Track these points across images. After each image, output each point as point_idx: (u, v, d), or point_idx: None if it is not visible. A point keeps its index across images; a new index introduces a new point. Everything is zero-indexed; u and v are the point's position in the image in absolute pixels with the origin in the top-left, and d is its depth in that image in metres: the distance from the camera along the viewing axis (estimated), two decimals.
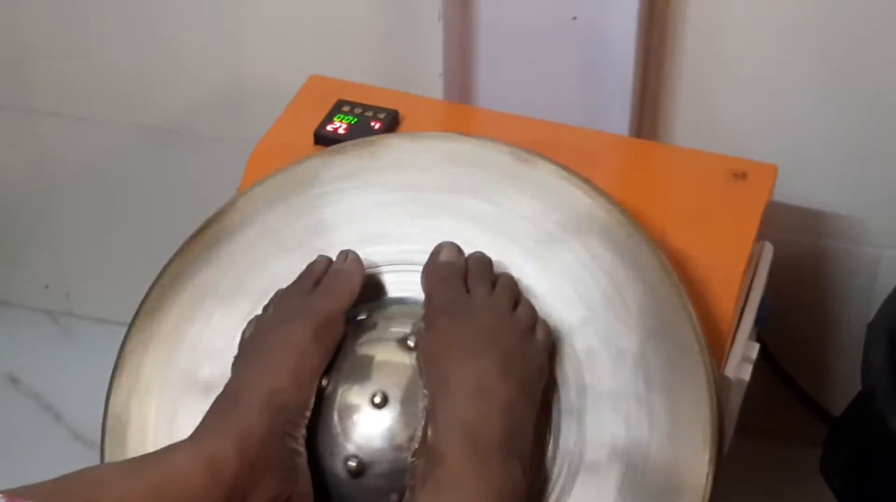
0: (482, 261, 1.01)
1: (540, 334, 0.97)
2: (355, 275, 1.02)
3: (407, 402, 0.95)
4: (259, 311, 1.03)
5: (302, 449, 0.94)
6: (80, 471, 0.83)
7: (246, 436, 0.90)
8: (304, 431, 0.94)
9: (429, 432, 0.91)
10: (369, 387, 0.96)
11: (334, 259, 1.03)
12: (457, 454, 0.89)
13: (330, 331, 0.99)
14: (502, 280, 1.00)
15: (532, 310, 0.99)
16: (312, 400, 0.95)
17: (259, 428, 0.91)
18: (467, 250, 1.03)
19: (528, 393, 0.94)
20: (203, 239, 1.08)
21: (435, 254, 1.01)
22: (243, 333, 1.02)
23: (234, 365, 0.99)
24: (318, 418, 0.96)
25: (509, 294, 0.99)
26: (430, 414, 0.92)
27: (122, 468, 0.91)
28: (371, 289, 1.03)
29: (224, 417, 0.93)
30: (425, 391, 0.93)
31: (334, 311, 0.99)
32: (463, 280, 0.99)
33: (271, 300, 1.02)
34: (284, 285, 1.03)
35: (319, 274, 1.02)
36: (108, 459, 1.02)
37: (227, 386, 0.96)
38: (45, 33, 1.44)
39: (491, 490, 0.86)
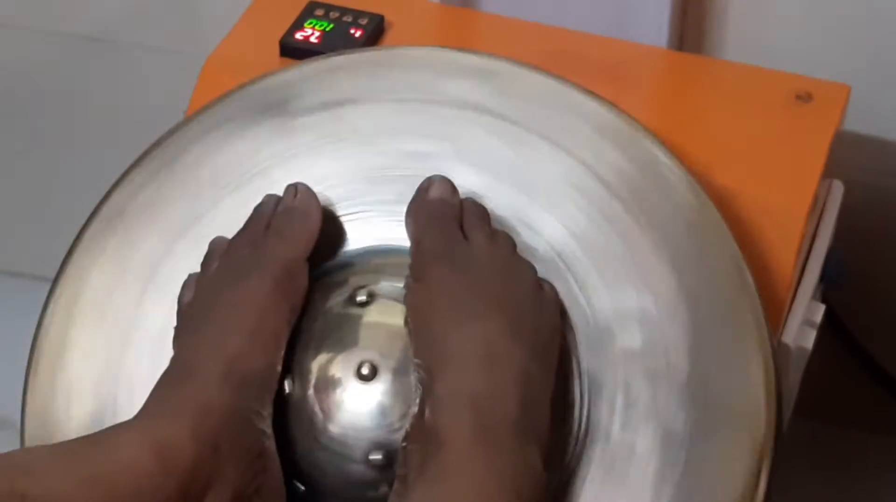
0: (478, 204, 1.01)
1: (546, 287, 0.98)
2: (311, 211, 1.02)
3: (401, 373, 0.95)
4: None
5: (269, 430, 0.94)
6: (5, 455, 0.84)
7: (204, 415, 0.90)
8: (270, 408, 0.94)
9: (426, 411, 0.90)
10: (355, 356, 0.96)
11: (282, 190, 1.03)
12: (462, 436, 0.88)
13: (292, 284, 0.99)
14: (500, 229, 1.00)
15: (531, 262, 0.99)
16: (279, 368, 0.95)
17: (219, 404, 0.91)
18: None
19: (543, 359, 0.94)
20: (136, 180, 1.08)
21: (423, 189, 1.01)
22: (181, 297, 1.02)
23: (176, 336, 0.99)
24: (288, 394, 0.97)
25: (510, 242, 0.99)
26: (427, 389, 0.91)
27: (54, 452, 0.90)
28: (345, 236, 1.04)
29: (176, 392, 0.92)
30: (417, 360, 0.93)
31: (293, 259, 1.00)
32: (458, 223, 0.99)
33: (211, 253, 1.02)
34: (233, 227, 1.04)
35: (269, 216, 1.02)
36: (29, 432, 1.03)
37: (174, 357, 0.96)
38: None
39: (504, 480, 0.86)
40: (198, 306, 0.99)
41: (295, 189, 1.03)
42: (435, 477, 0.87)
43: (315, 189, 1.04)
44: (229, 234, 1.04)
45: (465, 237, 0.98)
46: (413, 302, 0.96)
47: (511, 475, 0.87)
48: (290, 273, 0.99)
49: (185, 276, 1.03)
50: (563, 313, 0.98)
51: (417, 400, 0.92)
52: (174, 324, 1.01)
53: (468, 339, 0.93)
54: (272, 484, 0.94)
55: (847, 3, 1.30)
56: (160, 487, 0.85)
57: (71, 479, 0.83)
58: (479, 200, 1.03)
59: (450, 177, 1.02)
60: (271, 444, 0.94)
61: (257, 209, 1.03)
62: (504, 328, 0.93)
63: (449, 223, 0.99)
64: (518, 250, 1.00)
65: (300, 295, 0.99)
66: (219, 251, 1.02)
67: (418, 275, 0.97)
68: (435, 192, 1.01)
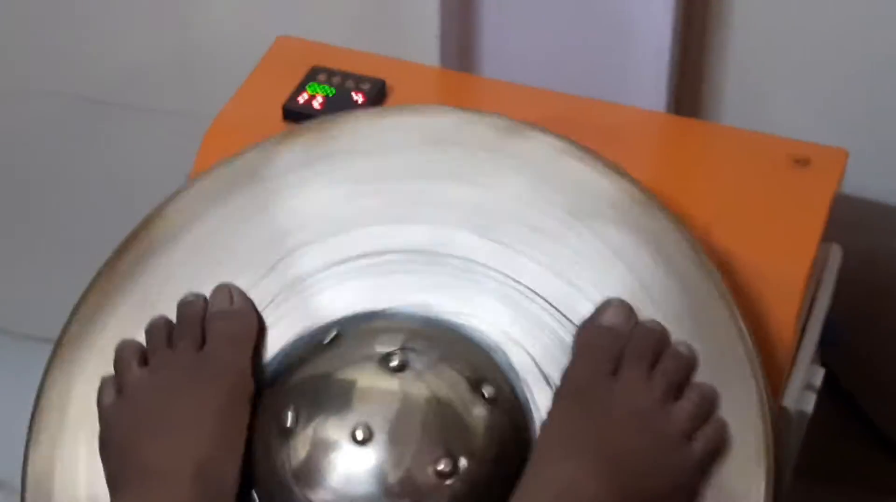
0: (652, 331, 0.99)
1: (700, 444, 0.95)
2: (249, 314, 1.03)
3: (396, 436, 0.94)
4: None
5: None
6: None
7: None
8: None
9: None
10: (350, 419, 0.95)
11: (208, 296, 1.04)
12: None
13: (246, 389, 1.00)
14: (670, 361, 0.97)
15: (700, 408, 0.96)
16: (239, 471, 0.97)
17: None
18: (454, 246, 1.03)
19: None
20: (133, 252, 1.08)
21: (599, 311, 1.00)
22: (100, 399, 1.02)
23: (124, 436, 1.00)
24: (279, 461, 0.97)
25: (671, 382, 0.97)
26: None
27: None
28: (336, 304, 1.04)
29: (151, 495, 0.94)
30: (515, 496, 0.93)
31: (243, 365, 1.01)
32: (618, 354, 0.98)
33: (128, 360, 1.02)
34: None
35: (201, 318, 1.03)
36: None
37: (135, 458, 0.97)
38: None
39: None
40: (141, 409, 1.00)
41: (230, 292, 1.04)
42: None
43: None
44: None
45: (617, 371, 0.97)
46: (540, 441, 0.97)
47: None
48: (243, 379, 1.00)
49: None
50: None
51: None
52: None
53: (554, 475, 0.93)
54: None
55: (844, 69, 1.30)
56: None
57: None
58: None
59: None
60: None
61: (185, 310, 1.04)
62: (594, 466, 0.93)
63: (604, 356, 0.98)
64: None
65: (250, 398, 1.00)
66: (151, 352, 1.03)
67: (553, 409, 0.98)
68: (606, 317, 0.99)
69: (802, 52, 1.31)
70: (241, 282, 1.05)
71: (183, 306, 1.03)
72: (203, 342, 1.02)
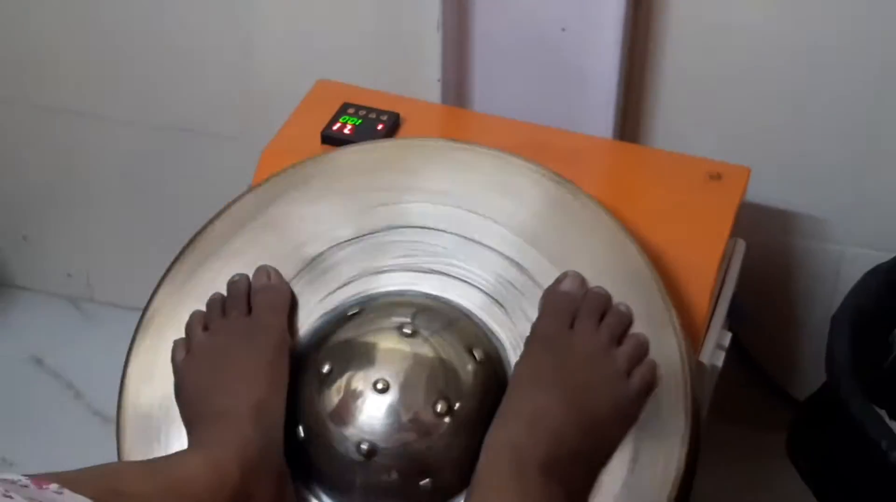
0: (598, 295, 0.99)
1: (636, 380, 0.96)
2: (284, 288, 1.03)
3: (406, 387, 0.95)
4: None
5: (284, 459, 0.95)
6: (102, 464, 0.84)
7: (244, 448, 0.91)
8: (282, 435, 0.95)
9: (481, 457, 0.91)
10: (373, 374, 0.95)
11: (252, 275, 1.04)
12: (501, 473, 0.89)
13: (285, 344, 1.00)
14: (613, 315, 0.98)
15: (636, 352, 0.97)
16: (285, 409, 0.97)
17: (254, 441, 0.92)
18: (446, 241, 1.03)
19: (591, 432, 0.93)
20: (211, 234, 1.08)
21: (558, 280, 1.00)
22: (174, 356, 1.02)
23: (194, 383, 1.00)
24: (319, 404, 0.97)
25: (613, 332, 0.97)
26: (486, 441, 0.92)
27: (139, 465, 0.92)
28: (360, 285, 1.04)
29: (218, 429, 0.94)
30: (495, 419, 0.94)
31: (282, 327, 1.01)
32: (573, 312, 0.98)
33: (192, 326, 1.03)
34: (283, 272, 1.04)
35: (246, 293, 1.03)
36: (122, 438, 1.03)
37: (210, 403, 0.97)
38: (77, 43, 1.44)
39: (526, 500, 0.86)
40: (207, 364, 1.00)
41: (267, 272, 1.04)
42: (474, 493, 0.89)
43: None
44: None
45: (573, 325, 0.97)
46: (515, 376, 0.97)
47: (533, 500, 0.87)
48: (283, 338, 1.00)
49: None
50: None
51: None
52: None
53: (526, 403, 0.93)
54: (290, 498, 0.95)
55: (748, 105, 1.30)
56: (215, 498, 0.87)
57: (152, 484, 0.84)
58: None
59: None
60: (287, 469, 0.95)
61: (233, 287, 1.04)
62: (558, 397, 0.93)
63: (562, 312, 0.98)
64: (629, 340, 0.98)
65: (288, 351, 1.00)
66: (208, 321, 1.03)
67: (525, 352, 0.98)
68: (564, 285, 1.00)
69: (716, 93, 1.30)
70: (286, 269, 1.04)
71: (231, 284, 1.03)
72: (249, 310, 1.01)
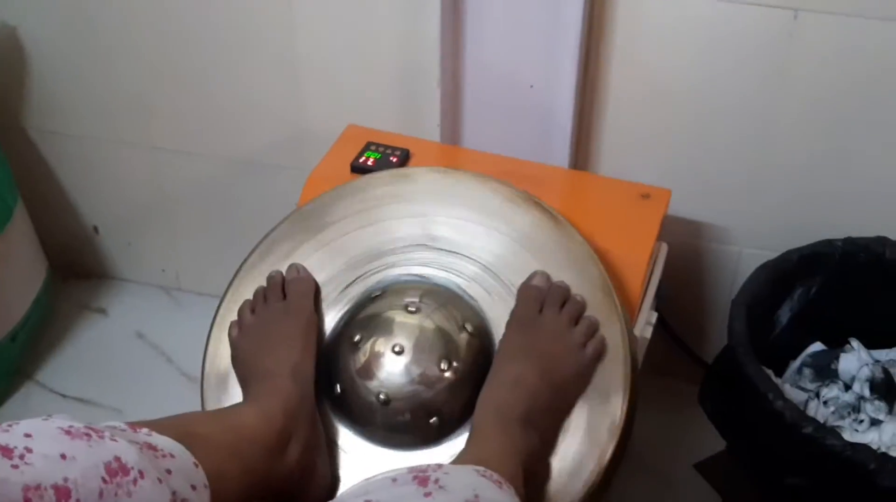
0: (560, 288, 0.99)
1: (589, 351, 0.96)
2: (311, 281, 1.03)
3: (416, 350, 0.95)
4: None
5: (314, 406, 0.96)
6: (181, 414, 0.85)
7: (285, 400, 0.92)
8: (314, 392, 0.96)
9: (475, 413, 0.91)
10: (391, 340, 0.96)
11: (284, 271, 1.04)
12: (488, 422, 0.89)
13: (313, 321, 1.00)
14: (572, 304, 0.98)
15: (589, 330, 0.97)
16: (314, 370, 0.97)
17: (294, 393, 0.93)
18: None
19: (558, 390, 0.94)
20: (271, 240, 1.08)
21: (530, 277, 1.00)
22: (230, 333, 1.03)
23: (248, 351, 1.00)
24: (349, 363, 0.97)
25: (572, 315, 0.97)
26: (478, 401, 0.92)
27: (208, 414, 0.94)
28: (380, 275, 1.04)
29: (266, 386, 0.94)
30: (485, 384, 0.94)
31: (311, 309, 1.01)
32: (542, 301, 0.98)
33: (243, 310, 1.03)
34: (318, 265, 1.04)
35: (279, 284, 1.03)
36: (205, 392, 1.03)
37: (259, 366, 0.97)
38: (167, 95, 1.44)
39: (509, 446, 0.86)
40: (255, 338, 1.00)
41: (297, 268, 1.04)
42: (471, 443, 0.89)
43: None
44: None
45: (542, 310, 0.97)
46: (499, 350, 0.97)
47: (516, 443, 0.87)
48: (311, 316, 1.01)
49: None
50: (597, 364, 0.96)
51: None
52: None
53: (508, 371, 0.94)
54: (320, 440, 0.95)
55: (672, 143, 1.29)
56: (265, 436, 0.88)
57: (218, 427, 0.85)
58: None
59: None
60: (317, 414, 0.96)
61: (270, 280, 1.04)
62: (532, 366, 0.93)
63: (533, 301, 0.98)
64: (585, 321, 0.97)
65: (315, 326, 1.00)
66: (255, 304, 1.03)
67: (507, 332, 0.98)
68: (534, 280, 0.99)
69: (646, 135, 1.29)
70: (324, 262, 1.04)
71: (269, 278, 1.03)
72: (284, 297, 1.02)
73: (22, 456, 0.62)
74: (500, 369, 0.94)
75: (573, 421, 0.94)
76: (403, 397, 0.94)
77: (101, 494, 0.64)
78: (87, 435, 0.67)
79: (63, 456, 0.64)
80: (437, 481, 0.75)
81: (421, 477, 0.76)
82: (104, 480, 0.65)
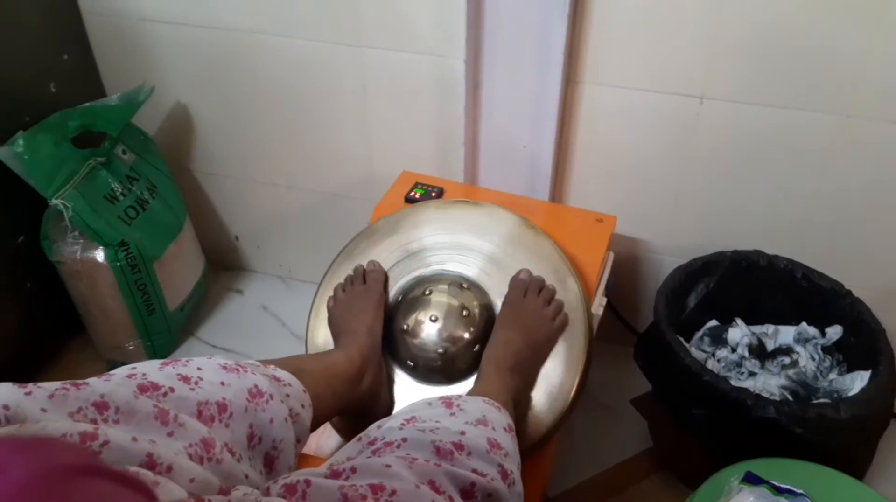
0: (539, 279, 0.97)
1: (556, 322, 0.93)
2: (381, 272, 1.00)
3: (445, 319, 0.94)
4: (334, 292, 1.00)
5: (381, 354, 0.93)
6: (293, 355, 0.83)
7: (362, 348, 0.89)
8: (381, 344, 0.93)
9: (481, 364, 0.90)
10: (429, 312, 0.95)
11: (365, 264, 1.01)
12: (490, 369, 0.87)
13: (382, 298, 0.97)
14: (546, 291, 0.96)
15: (557, 309, 0.94)
16: (382, 329, 0.94)
17: (367, 344, 0.91)
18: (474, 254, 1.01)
19: (536, 349, 0.91)
20: (352, 245, 1.06)
21: (518, 272, 0.97)
22: (329, 302, 0.99)
23: (338, 316, 0.96)
24: (402, 326, 0.95)
25: (546, 298, 0.95)
26: (483, 356, 0.91)
27: (311, 356, 0.91)
28: (413, 269, 1.01)
29: (350, 339, 0.91)
30: (487, 344, 0.91)
31: (380, 289, 0.98)
32: (526, 289, 0.96)
33: (336, 289, 1.00)
34: (383, 261, 1.01)
35: (362, 273, 1.00)
36: (308, 344, 1.02)
37: (346, 326, 0.94)
38: (282, 148, 1.42)
39: (503, 385, 0.85)
40: (344, 308, 0.96)
41: (374, 263, 1.01)
42: (478, 382, 0.87)
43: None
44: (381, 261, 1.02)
45: (525, 295, 0.95)
46: (497, 322, 0.94)
47: (506, 384, 0.85)
48: (382, 294, 0.97)
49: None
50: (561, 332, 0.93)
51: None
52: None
53: (502, 335, 0.91)
54: (384, 377, 0.92)
55: (617, 183, 1.27)
56: (348, 372, 0.85)
57: (317, 365, 0.82)
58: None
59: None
60: (382, 359, 0.93)
61: (356, 270, 1.01)
62: (518, 332, 0.91)
63: (520, 289, 0.95)
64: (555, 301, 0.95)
65: (384, 302, 0.97)
66: (341, 287, 0.99)
67: (502, 310, 0.95)
68: (521, 274, 0.97)
69: (601, 179, 1.27)
70: (387, 259, 1.02)
71: (354, 269, 1.01)
72: (364, 281, 0.99)
73: (196, 382, 0.62)
74: (498, 334, 0.92)
75: (546, 369, 0.93)
76: (436, 350, 0.93)
77: (245, 409, 0.63)
78: (237, 369, 0.67)
79: (222, 383, 0.63)
80: (458, 405, 0.75)
81: (447, 401, 0.76)
82: (247, 400, 0.64)
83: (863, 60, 1.05)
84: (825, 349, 1.20)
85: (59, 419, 0.50)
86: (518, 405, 0.87)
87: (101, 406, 0.53)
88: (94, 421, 0.52)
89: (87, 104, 1.30)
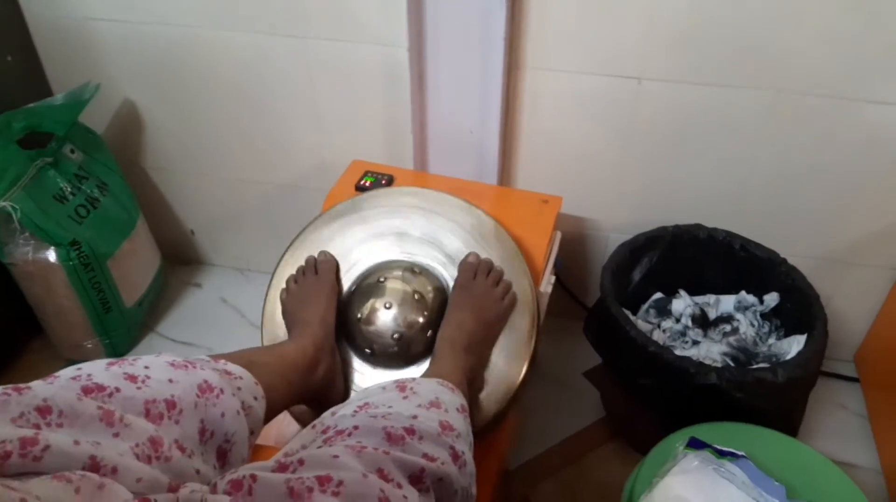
0: (487, 261, 0.97)
1: (506, 301, 0.94)
2: (333, 262, 0.99)
3: (399, 305, 0.93)
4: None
5: (335, 343, 0.92)
6: (245, 348, 0.82)
7: (314, 338, 0.88)
8: (334, 333, 0.93)
9: (436, 344, 0.89)
10: (383, 299, 0.94)
11: (317, 255, 1.00)
12: (444, 350, 0.87)
13: (334, 288, 0.96)
14: (494, 272, 0.96)
15: (506, 288, 0.94)
16: (335, 320, 0.93)
17: (320, 334, 0.90)
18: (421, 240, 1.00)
19: (488, 328, 0.92)
20: (303, 235, 1.05)
21: (467, 255, 0.97)
22: (282, 294, 0.98)
23: (291, 307, 0.95)
24: (357, 315, 0.94)
25: (495, 279, 0.95)
26: (438, 336, 0.90)
27: (264, 349, 0.90)
28: (366, 259, 1.01)
29: (303, 330, 0.90)
30: (441, 325, 0.91)
31: (332, 279, 0.97)
32: (475, 271, 0.96)
33: (288, 281, 0.98)
34: (336, 251, 1.00)
35: (313, 263, 0.99)
36: (263, 335, 1.01)
37: (294, 318, 0.94)
38: (233, 143, 1.41)
39: (458, 365, 0.85)
40: (296, 299, 0.95)
41: (324, 253, 1.00)
42: (433, 363, 0.86)
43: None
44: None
45: (475, 277, 0.95)
46: (450, 303, 0.94)
47: (461, 363, 0.85)
48: (334, 285, 0.97)
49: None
50: (511, 311, 0.93)
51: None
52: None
53: (454, 316, 0.91)
54: (338, 365, 0.92)
55: (561, 164, 1.28)
56: (301, 362, 0.84)
57: (270, 357, 0.82)
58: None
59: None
60: (336, 348, 0.92)
61: (308, 261, 1.00)
62: (470, 313, 0.91)
63: (469, 271, 0.95)
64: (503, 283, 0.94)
65: (336, 293, 0.96)
66: (294, 278, 0.98)
67: (454, 292, 0.94)
68: (470, 258, 0.97)
69: (546, 161, 1.28)
70: (339, 248, 1.01)
71: (306, 260, 1.00)
72: (316, 271, 0.98)
73: (143, 381, 0.61)
74: (450, 315, 0.92)
75: (498, 348, 0.93)
76: (392, 335, 0.93)
77: (195, 405, 0.63)
78: (185, 366, 0.66)
79: (170, 380, 0.63)
80: (412, 388, 0.75)
81: (401, 385, 0.75)
82: (197, 395, 0.64)
83: (789, 38, 1.06)
84: (763, 316, 1.22)
85: (0, 425, 0.49)
86: (472, 384, 0.87)
87: (43, 410, 0.52)
88: (36, 426, 0.50)
89: (31, 105, 1.25)
